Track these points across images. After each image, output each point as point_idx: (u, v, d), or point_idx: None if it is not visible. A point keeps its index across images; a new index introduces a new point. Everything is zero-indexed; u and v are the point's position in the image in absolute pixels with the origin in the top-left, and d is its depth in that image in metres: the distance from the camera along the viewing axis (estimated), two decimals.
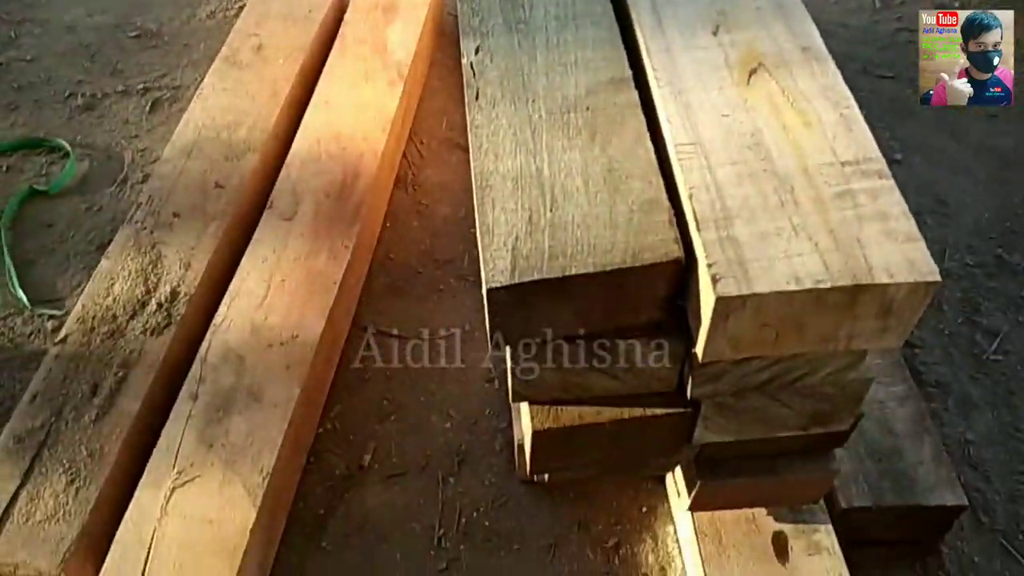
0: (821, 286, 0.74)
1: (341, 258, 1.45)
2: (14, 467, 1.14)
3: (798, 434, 0.96)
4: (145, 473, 1.14)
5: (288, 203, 1.54)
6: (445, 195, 1.77)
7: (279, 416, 1.20)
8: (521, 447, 1.23)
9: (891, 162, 1.81)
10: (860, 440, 1.21)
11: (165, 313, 1.32)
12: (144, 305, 1.34)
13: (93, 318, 1.32)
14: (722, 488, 1.04)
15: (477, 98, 1.00)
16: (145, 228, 1.46)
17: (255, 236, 1.48)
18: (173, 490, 1.11)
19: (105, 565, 1.06)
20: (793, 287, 0.75)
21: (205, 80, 1.75)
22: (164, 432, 1.18)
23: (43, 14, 2.18)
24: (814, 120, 0.89)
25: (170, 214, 1.50)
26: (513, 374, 0.91)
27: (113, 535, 1.09)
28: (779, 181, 0.84)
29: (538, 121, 0.96)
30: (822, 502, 1.15)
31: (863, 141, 0.87)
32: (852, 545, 1.14)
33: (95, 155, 1.81)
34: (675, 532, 1.26)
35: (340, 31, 1.92)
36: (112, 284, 1.37)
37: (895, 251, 0.77)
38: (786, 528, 1.14)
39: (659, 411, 0.93)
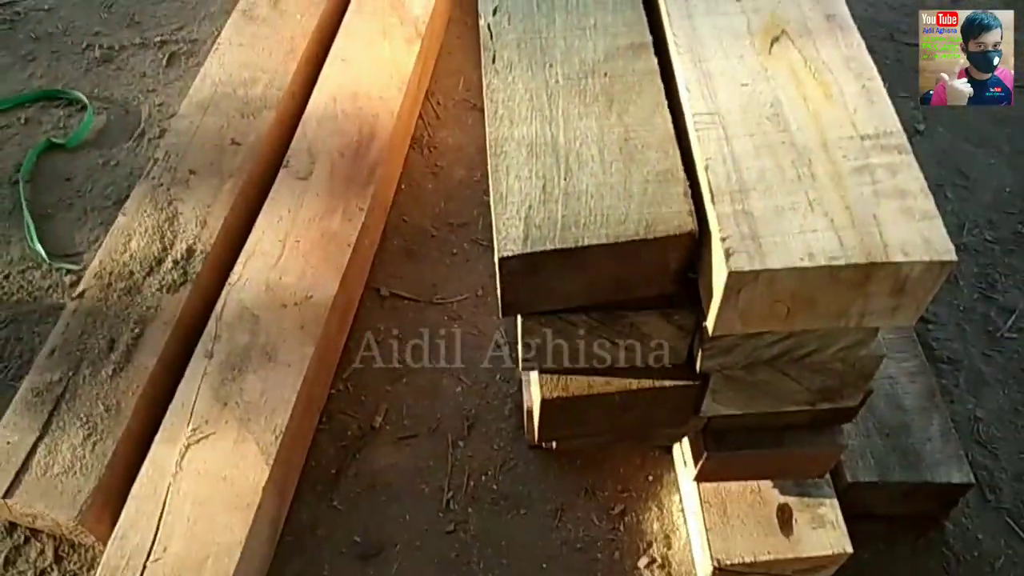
0: (835, 263, 0.74)
1: (355, 219, 1.45)
2: (32, 420, 1.16)
3: (806, 409, 0.96)
4: (160, 429, 1.16)
5: (304, 162, 1.54)
6: (461, 157, 1.76)
7: (293, 375, 1.22)
8: (530, 413, 1.24)
9: (914, 132, 1.80)
10: (869, 415, 1.21)
11: (181, 270, 1.34)
12: (160, 262, 1.35)
13: (110, 274, 1.33)
14: (729, 460, 1.05)
15: (494, 61, 0.98)
16: (162, 184, 1.47)
17: (271, 195, 1.48)
18: (188, 446, 1.13)
19: (121, 518, 1.09)
20: (807, 263, 0.74)
21: (222, 34, 1.74)
22: (179, 389, 1.20)
23: None
24: (835, 92, 0.88)
25: (186, 171, 1.50)
26: (523, 343, 0.92)
27: (129, 490, 1.11)
28: (797, 154, 0.83)
29: (555, 87, 0.94)
30: (828, 476, 1.16)
31: (885, 114, 0.86)
32: (857, 519, 1.15)
33: (112, 108, 1.81)
34: (680, 501, 1.27)
35: None
36: (129, 240, 1.38)
37: (911, 229, 0.76)
38: (791, 500, 1.15)
39: (668, 383, 0.94)
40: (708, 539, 1.13)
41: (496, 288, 0.86)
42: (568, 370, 0.95)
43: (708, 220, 0.80)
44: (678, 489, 1.28)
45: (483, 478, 1.30)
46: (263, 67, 1.68)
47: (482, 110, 1.67)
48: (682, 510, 1.26)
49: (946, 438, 1.20)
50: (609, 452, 1.31)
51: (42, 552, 1.19)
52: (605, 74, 0.95)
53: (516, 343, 0.93)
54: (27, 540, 1.20)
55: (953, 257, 0.75)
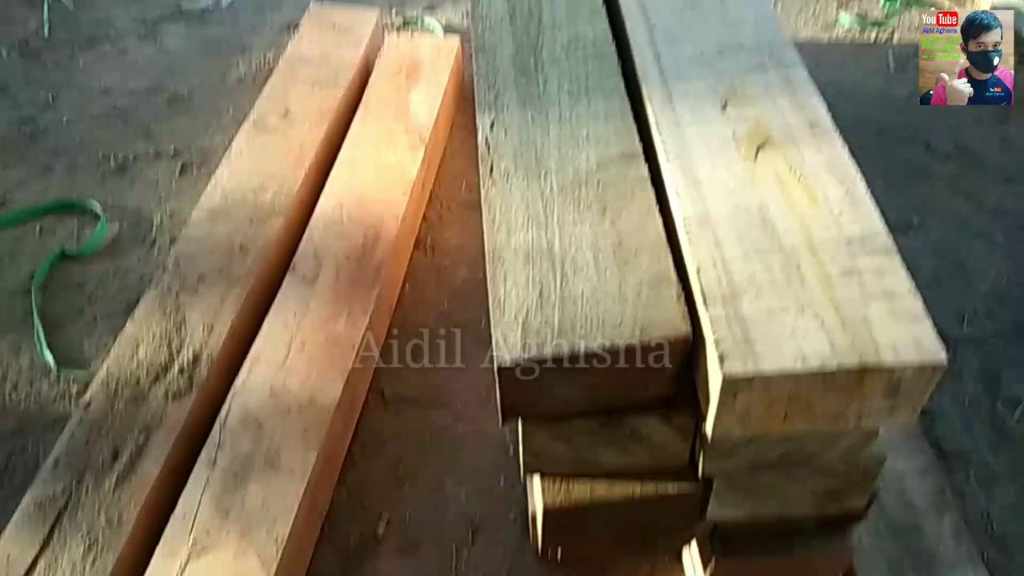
0: (827, 366, 0.75)
1: (360, 322, 1.47)
2: (34, 534, 1.15)
3: (813, 512, 0.95)
4: (161, 542, 1.14)
5: (310, 266, 1.57)
6: (464, 257, 1.80)
7: (295, 484, 1.21)
8: (534, 518, 1.23)
9: (908, 226, 1.83)
10: (879, 515, 1.19)
11: (187, 377, 1.35)
12: (167, 369, 1.36)
13: (117, 382, 1.34)
14: (738, 566, 1.03)
15: (491, 172, 1.02)
16: (171, 291, 1.50)
17: (277, 299, 1.51)
18: (188, 560, 1.11)
19: None
20: (800, 367, 0.75)
21: (233, 144, 1.80)
22: (182, 499, 1.19)
23: (80, 79, 2.27)
24: (820, 196, 0.91)
25: (196, 277, 1.53)
26: (524, 448, 0.92)
27: None
28: (785, 258, 0.85)
29: (550, 195, 0.98)
30: None
31: (869, 217, 0.88)
32: None
33: (125, 217, 1.86)
34: None
35: (365, 95, 1.98)
36: (137, 348, 1.40)
37: (901, 331, 0.77)
38: None
39: (671, 488, 0.93)
40: None
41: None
42: (570, 474, 0.95)
43: (702, 324, 0.81)
44: None
45: None
46: (272, 175, 1.74)
47: None
48: None
49: (959, 538, 1.17)
50: (617, 560, 1.28)
51: None
52: (598, 182, 0.99)
53: (519, 446, 0.93)
54: None
55: (944, 360, 0.76)
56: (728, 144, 0.98)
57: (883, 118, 2.11)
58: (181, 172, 1.98)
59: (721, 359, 0.76)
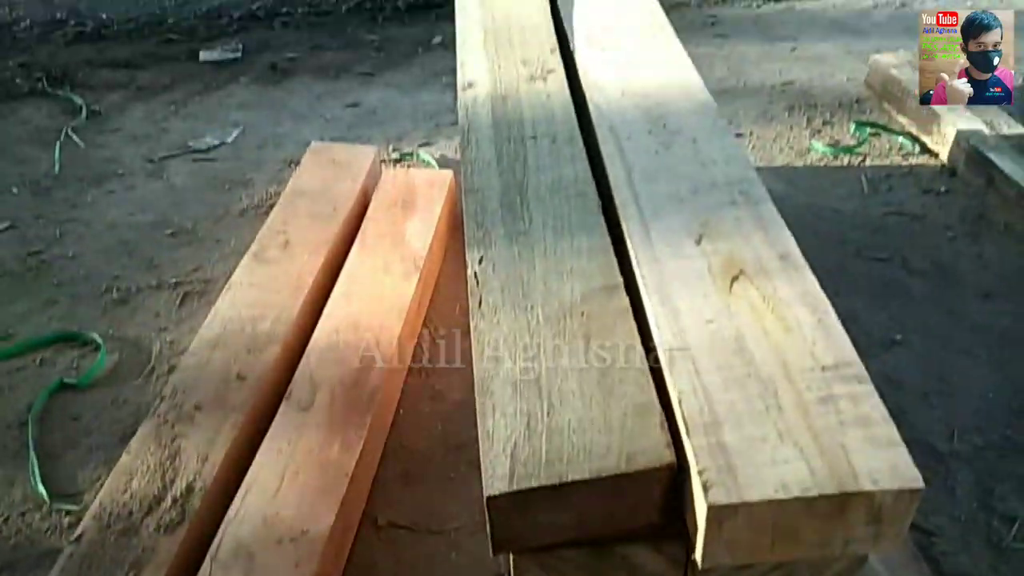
0: (808, 494, 0.77)
1: (354, 448, 1.49)
2: None
3: None
4: None
5: (305, 393, 1.60)
6: (457, 379, 1.83)
7: None
8: None
9: (892, 343, 1.88)
10: None
11: (179, 509, 1.35)
12: (160, 501, 1.36)
13: (109, 515, 1.34)
14: None
15: (480, 306, 1.07)
16: (167, 422, 1.52)
17: (272, 427, 1.53)
18: None
19: None
20: (781, 495, 0.77)
21: (234, 275, 1.87)
22: None
23: (87, 214, 2.36)
24: (794, 325, 0.95)
25: (192, 407, 1.55)
26: None
27: None
28: (763, 386, 0.88)
29: (536, 327, 1.02)
30: None
31: (841, 346, 0.92)
32: None
33: (125, 347, 1.90)
34: None
35: (362, 226, 2.06)
36: (130, 480, 1.40)
37: (878, 457, 0.80)
38: None
39: None
40: None
41: None
42: None
43: (686, 452, 0.84)
44: None
45: None
46: (271, 304, 1.79)
47: None
48: None
49: None
50: None
51: None
52: (582, 313, 1.03)
53: None
54: None
55: (921, 484, 0.78)
56: (704, 276, 1.03)
57: (860, 238, 2.19)
58: (182, 302, 2.04)
59: (705, 488, 0.78)
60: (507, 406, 0.92)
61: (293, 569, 1.26)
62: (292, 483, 1.41)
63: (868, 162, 2.51)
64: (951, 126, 2.44)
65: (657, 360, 0.95)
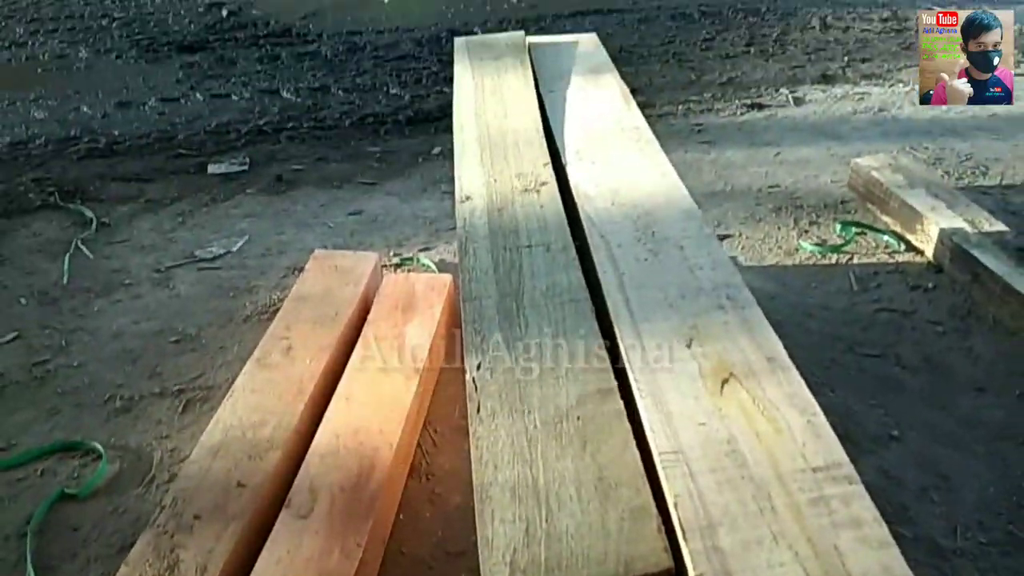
0: None
1: (353, 556, 1.48)
2: None
3: None
4: None
5: (305, 499, 1.60)
6: (458, 483, 1.83)
7: None
8: None
9: (889, 438, 1.89)
10: None
11: None
12: None
13: None
14: None
15: (478, 411, 1.10)
16: (166, 532, 1.51)
17: (272, 535, 1.52)
18: None
19: None
20: None
21: (236, 381, 1.89)
22: None
23: (93, 323, 2.41)
24: (784, 427, 0.98)
25: (191, 516, 1.55)
26: None
27: None
28: (756, 488, 0.90)
29: (534, 431, 1.05)
30: None
31: (831, 447, 0.95)
32: None
33: (126, 456, 1.91)
34: None
35: (364, 330, 2.10)
36: None
37: (871, 558, 0.82)
38: None
39: None
40: None
41: None
42: None
43: (684, 557, 0.85)
44: None
45: None
46: (272, 410, 1.81)
47: None
48: None
49: None
50: None
51: None
52: (578, 417, 1.06)
53: None
54: None
55: None
56: (696, 380, 1.07)
57: (851, 335, 2.23)
58: (184, 410, 2.05)
59: None
60: (506, 512, 0.94)
61: None
62: None
63: (855, 260, 2.58)
64: (934, 224, 2.52)
65: (652, 461, 0.98)
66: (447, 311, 2.23)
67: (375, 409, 1.83)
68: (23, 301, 2.51)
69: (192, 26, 5.39)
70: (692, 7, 5.40)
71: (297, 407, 1.83)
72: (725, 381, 1.06)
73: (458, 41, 2.43)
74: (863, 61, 4.34)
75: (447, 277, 2.31)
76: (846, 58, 4.39)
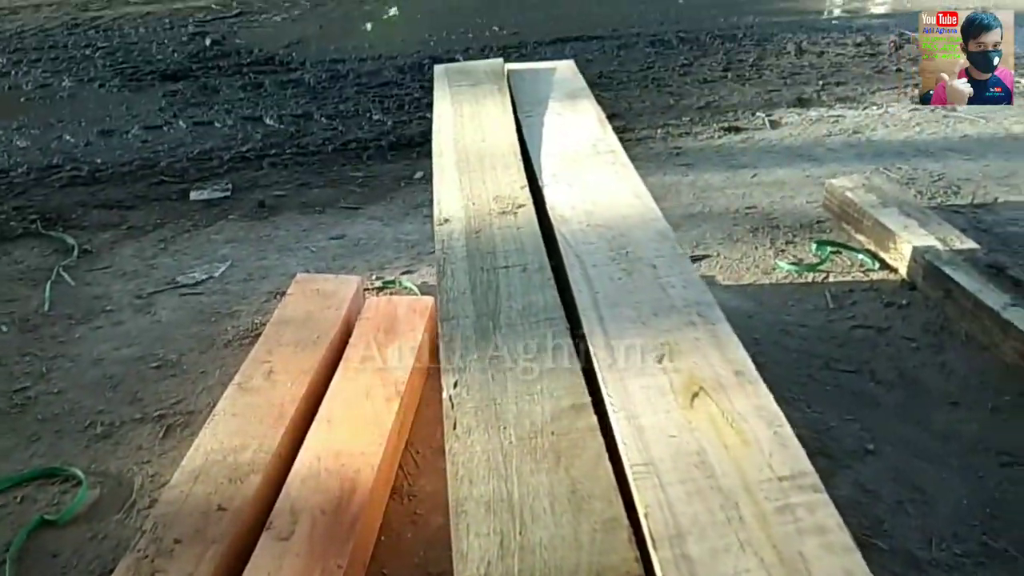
0: None
1: None
2: None
3: None
4: None
5: (286, 522, 1.60)
6: (439, 504, 1.83)
7: None
8: None
9: (864, 452, 1.91)
10: None
11: None
12: None
13: None
14: None
15: (455, 428, 1.12)
16: (146, 557, 1.51)
17: (252, 558, 1.52)
18: None
19: None
20: None
21: (217, 405, 1.90)
22: None
23: (74, 349, 2.41)
24: (751, 438, 1.00)
25: (172, 540, 1.55)
26: None
27: None
28: (724, 498, 0.92)
29: (509, 447, 1.07)
30: None
31: (797, 457, 0.97)
32: None
33: (107, 482, 1.90)
34: None
35: (345, 353, 2.12)
36: None
37: (835, 564, 0.84)
38: None
39: None
40: None
41: None
42: None
43: (653, 564, 0.87)
44: None
45: None
46: (253, 434, 1.81)
47: None
48: None
49: None
50: None
51: None
52: (552, 432, 1.08)
53: None
54: None
55: None
56: (667, 394, 1.09)
57: (828, 351, 2.27)
58: (165, 435, 2.05)
59: None
60: (481, 526, 0.95)
61: None
62: None
63: (831, 279, 2.62)
64: (907, 243, 2.57)
65: (625, 474, 1.00)
66: (429, 333, 2.25)
67: (356, 431, 1.84)
68: (4, 328, 2.51)
69: (175, 55, 5.44)
70: (670, 33, 5.50)
71: (278, 431, 1.83)
72: (695, 395, 1.08)
73: (438, 68, 2.47)
74: (837, 85, 4.43)
75: (429, 299, 2.33)
76: (821, 82, 4.48)
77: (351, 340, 2.16)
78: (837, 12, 6.21)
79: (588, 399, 1.13)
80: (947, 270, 2.42)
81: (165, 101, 4.58)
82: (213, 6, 6.79)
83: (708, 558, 0.85)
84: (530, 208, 1.64)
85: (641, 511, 0.92)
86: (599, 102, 2.20)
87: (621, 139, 1.96)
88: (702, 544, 0.87)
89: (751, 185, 3.31)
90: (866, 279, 2.61)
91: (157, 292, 2.69)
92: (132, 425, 2.09)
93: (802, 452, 0.98)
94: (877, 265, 2.66)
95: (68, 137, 4.10)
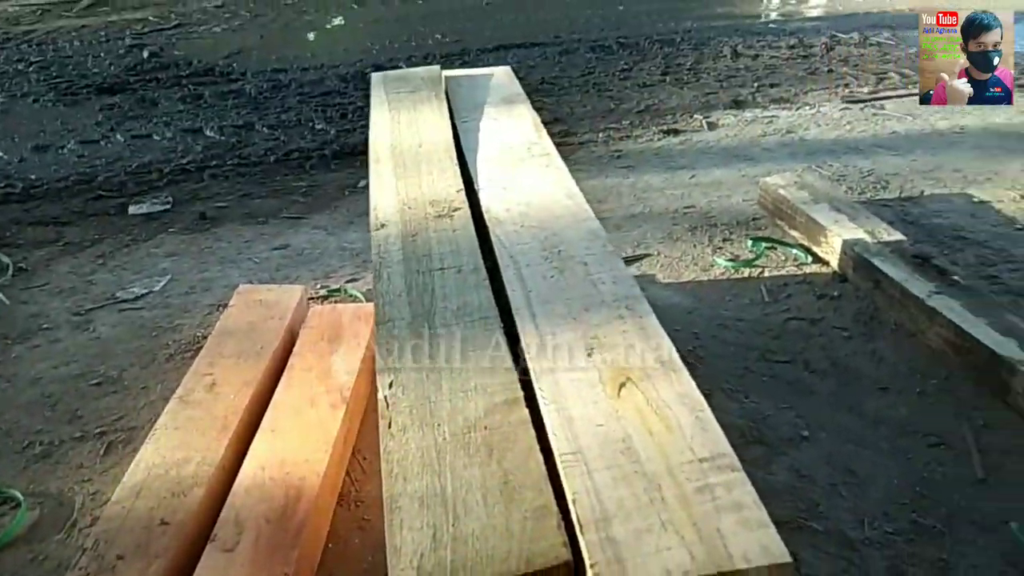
0: None
1: None
2: None
3: None
4: None
5: (231, 533, 1.60)
6: None
7: None
8: None
9: (800, 439, 1.98)
10: None
11: None
12: None
13: None
14: None
15: (389, 427, 1.13)
16: (87, 574, 1.49)
17: (196, 571, 1.51)
18: None
19: None
20: None
21: (159, 420, 1.88)
22: None
23: (10, 370, 2.35)
24: (675, 424, 1.04)
25: (114, 557, 1.53)
26: None
27: None
28: (648, 481, 0.96)
29: (443, 443, 1.09)
30: None
31: (716, 439, 1.01)
32: None
33: (47, 502, 1.87)
34: None
35: (289, 362, 2.11)
36: None
37: (751, 538, 0.87)
38: None
39: None
40: None
41: None
42: None
43: (581, 549, 0.90)
44: None
45: None
46: (196, 446, 1.80)
47: None
48: None
49: None
50: None
51: None
52: (485, 427, 1.11)
53: None
54: None
55: (788, 559, 0.86)
56: (595, 385, 1.13)
57: (764, 343, 2.34)
58: (106, 452, 2.02)
59: None
60: (414, 520, 0.97)
61: None
62: None
63: (767, 273, 2.70)
64: (837, 237, 2.67)
65: (555, 465, 1.03)
66: (374, 339, 2.26)
67: (301, 440, 1.84)
68: None
69: (112, 68, 5.34)
70: (610, 39, 5.59)
71: (221, 442, 1.82)
72: (623, 385, 1.12)
73: (375, 76, 2.49)
74: (772, 86, 4.56)
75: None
76: (756, 84, 4.61)
77: (295, 349, 2.16)
78: (774, 15, 6.38)
79: (521, 394, 1.16)
80: (875, 261, 2.52)
81: (102, 115, 4.50)
82: (150, 18, 6.69)
83: (632, 539, 0.88)
84: (466, 211, 1.66)
85: (569, 498, 0.95)
86: (542, 108, 2.25)
87: (563, 143, 2.01)
88: (627, 526, 0.90)
89: (689, 185, 3.39)
90: (800, 273, 2.69)
91: (96, 308, 2.64)
92: (72, 444, 2.05)
93: (722, 435, 1.02)
94: (810, 259, 2.75)
95: (0, 154, 4.00)
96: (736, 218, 3.07)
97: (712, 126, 4.03)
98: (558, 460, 1.01)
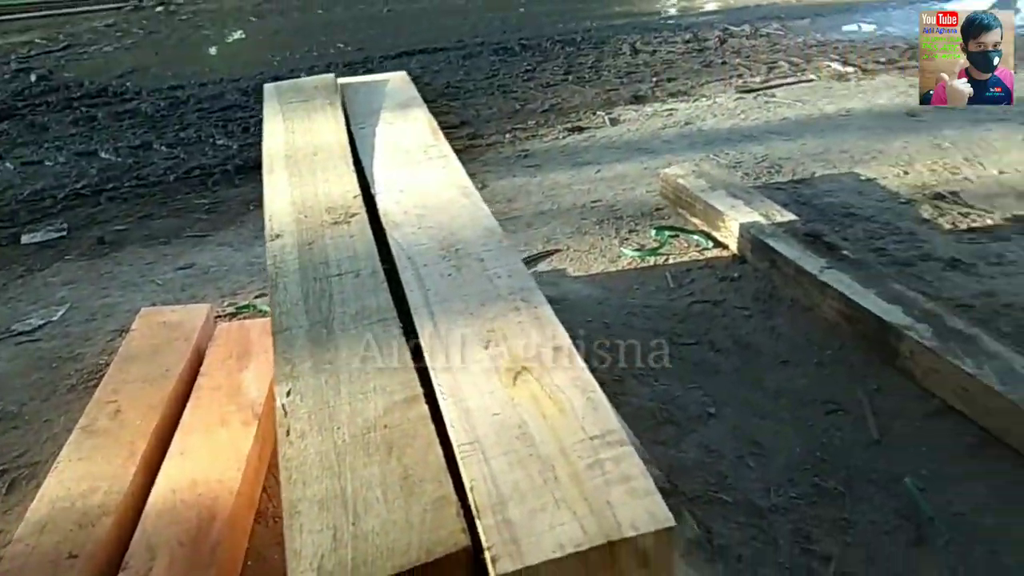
0: (580, 548, 0.87)
1: None
2: None
3: None
4: None
5: (143, 560, 1.56)
6: None
7: None
8: None
9: (707, 416, 2.05)
10: None
11: None
12: None
13: None
14: None
15: (288, 434, 1.13)
16: None
17: None
18: None
19: None
20: (558, 554, 0.86)
21: (62, 452, 1.82)
22: None
23: None
24: (567, 407, 1.07)
25: None
26: None
27: None
28: (543, 463, 0.99)
29: (343, 446, 1.09)
30: None
31: (606, 418, 1.05)
32: None
33: None
34: None
35: (197, 383, 2.07)
36: None
37: (638, 506, 0.91)
38: None
39: None
40: None
41: None
42: None
43: (479, 533, 0.92)
44: None
45: None
46: (102, 475, 1.75)
47: None
48: None
49: None
50: None
51: None
52: (385, 426, 1.12)
53: None
54: None
55: (672, 523, 0.90)
56: (492, 376, 1.15)
57: (671, 327, 2.42)
58: (9, 490, 1.94)
59: (493, 561, 0.86)
60: (313, 523, 0.98)
61: None
62: None
63: (671, 261, 2.79)
64: (734, 221, 2.77)
65: (454, 456, 1.04)
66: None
67: (212, 459, 1.80)
68: None
69: None
70: (513, 41, 5.66)
71: (128, 469, 1.78)
72: (518, 374, 1.15)
73: (268, 87, 2.46)
74: (669, 80, 4.70)
75: None
76: (654, 79, 4.74)
77: (202, 369, 2.12)
78: (671, 12, 6.57)
79: (420, 391, 1.17)
80: (770, 242, 2.63)
81: None
82: (37, 40, 6.42)
83: (527, 519, 0.91)
84: (363, 216, 1.67)
85: (468, 486, 0.97)
86: (448, 112, 2.27)
87: (471, 146, 2.03)
88: (522, 507, 0.93)
89: (595, 180, 3.46)
90: (702, 258, 2.79)
91: None
92: None
93: (612, 413, 1.06)
94: (711, 244, 2.85)
95: None
96: (640, 209, 3.15)
97: (615, 122, 4.13)
98: (456, 451, 1.03)
